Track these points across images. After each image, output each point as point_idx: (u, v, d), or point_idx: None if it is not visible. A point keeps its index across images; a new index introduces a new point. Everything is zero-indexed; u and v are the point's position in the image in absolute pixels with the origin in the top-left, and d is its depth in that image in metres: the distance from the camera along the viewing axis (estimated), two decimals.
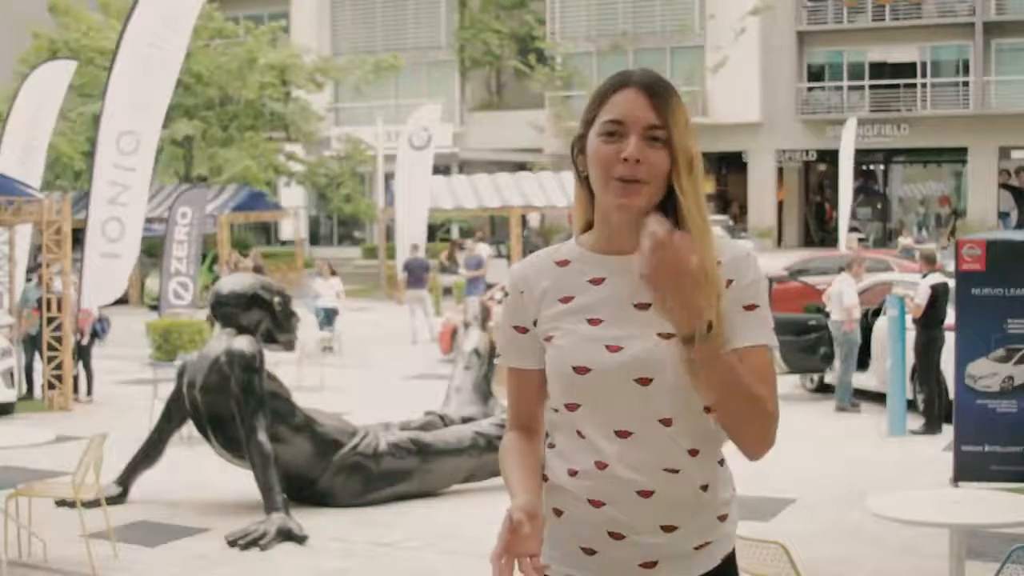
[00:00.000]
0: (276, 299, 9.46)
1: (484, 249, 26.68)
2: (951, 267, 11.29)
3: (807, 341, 14.21)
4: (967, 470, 9.56)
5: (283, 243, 42.51)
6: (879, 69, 39.33)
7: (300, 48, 36.99)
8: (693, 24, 39.61)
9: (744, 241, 32.20)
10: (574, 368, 2.46)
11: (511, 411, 2.64)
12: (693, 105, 38.77)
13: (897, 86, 38.72)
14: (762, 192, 40.32)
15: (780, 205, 41.07)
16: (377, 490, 9.44)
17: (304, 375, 16.03)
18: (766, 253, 32.79)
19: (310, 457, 9.24)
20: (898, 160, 41.47)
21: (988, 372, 9.59)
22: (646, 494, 2.43)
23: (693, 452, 2.45)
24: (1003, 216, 37.34)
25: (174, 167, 34.69)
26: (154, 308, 23.90)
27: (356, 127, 38.59)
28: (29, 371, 15.16)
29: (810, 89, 40.10)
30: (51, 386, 14.50)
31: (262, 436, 8.77)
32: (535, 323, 2.55)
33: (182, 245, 21.22)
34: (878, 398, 13.15)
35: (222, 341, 9.15)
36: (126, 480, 9.57)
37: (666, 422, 2.43)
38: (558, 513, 2.52)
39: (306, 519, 8.64)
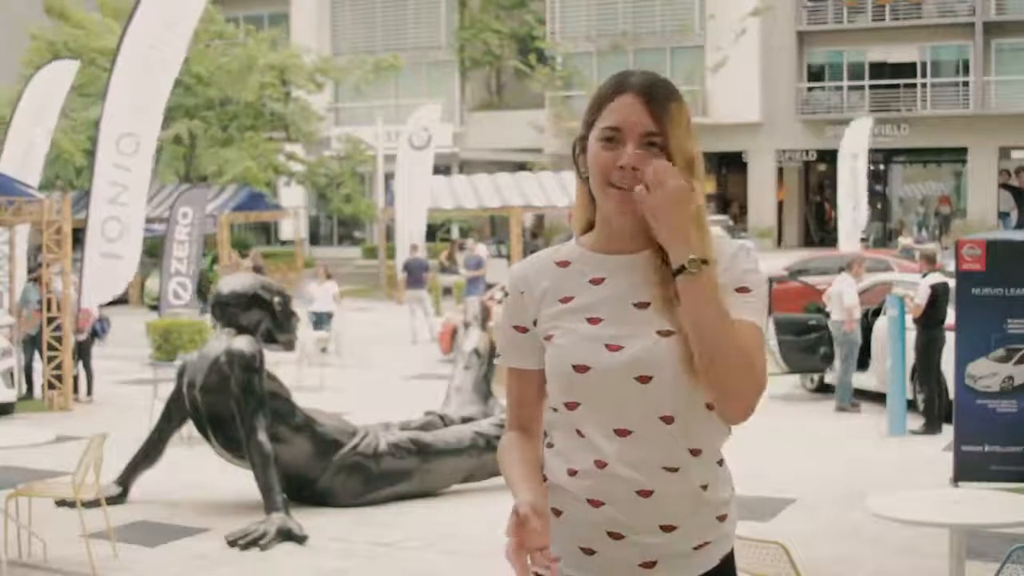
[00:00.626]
0: (276, 299, 9.46)
1: (482, 249, 26.69)
2: (951, 267, 11.29)
3: (807, 341, 14.21)
4: (967, 470, 9.56)
5: (283, 243, 42.51)
6: (879, 69, 39.33)
7: (300, 48, 37.00)
8: (693, 24, 39.61)
9: (744, 241, 32.21)
10: (574, 367, 2.46)
11: (510, 411, 2.64)
12: (693, 105, 38.75)
13: (897, 86, 38.72)
14: (762, 192, 40.32)
15: (780, 205, 41.08)
16: (377, 490, 9.44)
17: (304, 375, 16.04)
18: (766, 253, 32.77)
19: (310, 457, 9.24)
20: (898, 160, 41.47)
21: (988, 372, 9.59)
22: (645, 493, 2.43)
23: (694, 452, 2.46)
24: (1003, 216, 37.33)
25: (174, 167, 34.70)
26: (154, 308, 23.90)
27: (356, 127, 38.59)
28: (29, 371, 15.16)
29: (810, 89, 40.11)
30: (51, 386, 14.50)
31: (262, 436, 8.77)
32: (535, 323, 2.55)
33: (183, 245, 21.21)
34: (878, 398, 13.14)
35: (222, 341, 9.15)
36: (126, 480, 9.57)
37: (667, 420, 2.43)
38: (557, 513, 2.52)
39: (306, 519, 8.63)
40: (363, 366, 18.45)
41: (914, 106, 38.52)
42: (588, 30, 40.56)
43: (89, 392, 15.25)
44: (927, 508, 6.00)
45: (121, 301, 19.26)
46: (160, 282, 21.45)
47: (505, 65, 42.47)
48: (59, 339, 14.53)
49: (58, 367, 14.49)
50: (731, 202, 42.54)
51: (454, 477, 9.76)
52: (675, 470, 2.43)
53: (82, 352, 15.17)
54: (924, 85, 38.59)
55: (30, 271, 16.68)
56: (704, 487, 2.46)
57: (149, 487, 9.62)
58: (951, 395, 12.19)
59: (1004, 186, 37.87)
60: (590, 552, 2.49)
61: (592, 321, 2.48)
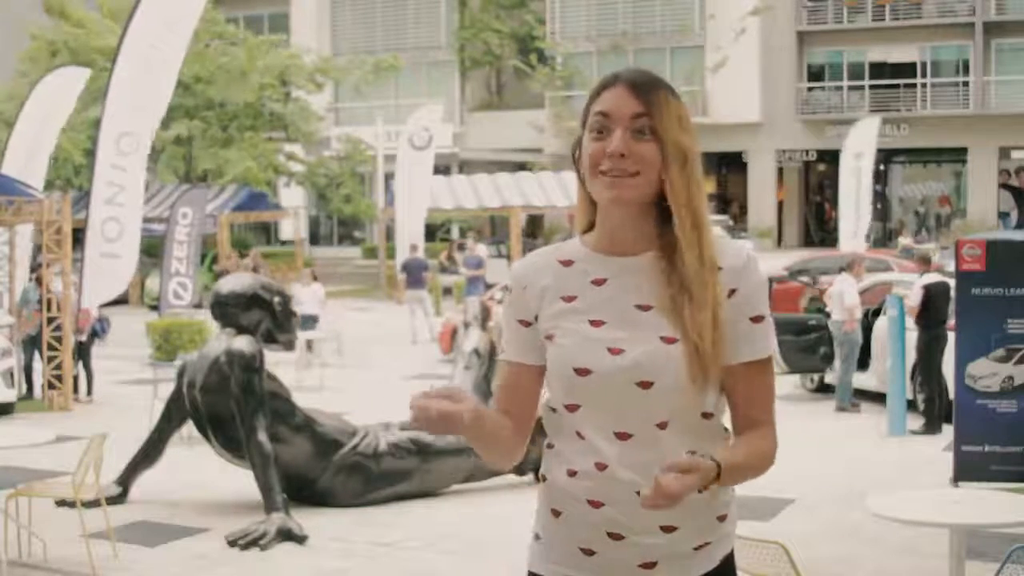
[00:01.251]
0: (276, 299, 9.46)
1: (482, 249, 26.67)
2: (951, 267, 11.28)
3: (807, 341, 14.20)
4: (967, 470, 9.56)
5: (283, 243, 42.52)
6: (879, 69, 39.33)
7: (300, 48, 37.00)
8: (693, 24, 39.62)
9: (744, 241, 32.24)
10: (575, 369, 2.45)
11: (498, 398, 2.61)
12: (693, 105, 38.76)
13: (897, 86, 38.73)
14: (762, 192, 40.33)
15: (780, 205, 41.08)
16: (377, 490, 9.44)
17: (304, 375, 16.03)
18: (766, 253, 32.78)
19: (310, 457, 9.24)
20: (898, 160, 41.47)
21: (988, 372, 9.59)
22: None
23: (692, 454, 2.43)
24: (1003, 216, 37.35)
25: (174, 167, 34.70)
26: (154, 308, 23.90)
27: (356, 127, 38.59)
28: (29, 371, 15.16)
29: (810, 89, 40.11)
30: (51, 386, 14.50)
31: (262, 436, 8.77)
32: (536, 318, 2.55)
33: (182, 245, 21.21)
34: (878, 398, 13.14)
35: (222, 341, 9.15)
36: (126, 480, 9.57)
37: (662, 425, 2.43)
38: (556, 514, 2.51)
39: (306, 519, 8.63)
40: (363, 366, 18.44)
41: (914, 106, 38.53)
42: (588, 30, 40.56)
43: (89, 392, 15.25)
44: (927, 508, 6.00)
45: (121, 301, 19.25)
46: (160, 282, 21.44)
47: (505, 65, 42.48)
48: (59, 339, 14.53)
49: (58, 367, 14.49)
50: (731, 202, 42.54)
51: (454, 477, 9.76)
52: None
53: (82, 352, 15.17)
54: (924, 85, 38.60)
55: (31, 271, 16.68)
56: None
57: (149, 487, 9.62)
58: (951, 395, 12.25)
59: (1004, 186, 37.88)
60: (590, 553, 2.48)
61: (595, 323, 2.47)
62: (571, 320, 2.49)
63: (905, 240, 30.26)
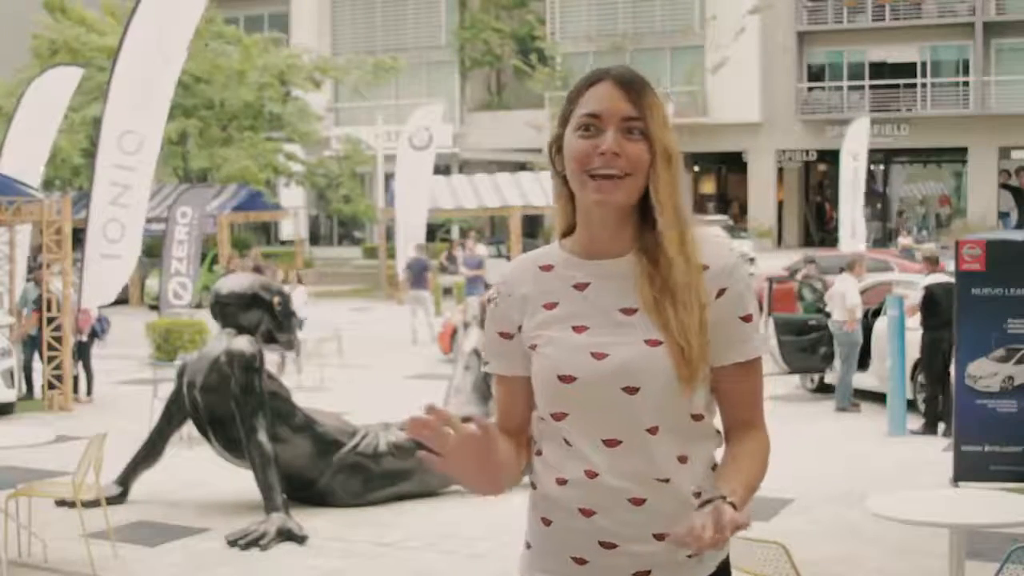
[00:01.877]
0: (276, 299, 9.46)
1: (481, 249, 26.66)
2: (951, 267, 11.27)
3: (807, 341, 14.20)
4: (967, 470, 9.56)
5: (283, 243, 42.53)
6: (879, 69, 39.35)
7: (300, 48, 36.99)
8: (693, 24, 39.64)
9: (742, 242, 32.22)
10: (559, 377, 2.42)
11: (499, 417, 2.59)
12: (693, 105, 38.83)
13: (897, 86, 38.75)
14: (762, 192, 40.34)
15: (780, 205, 41.10)
16: (377, 490, 9.44)
17: (304, 375, 16.04)
18: (766, 253, 32.80)
19: (310, 457, 9.24)
20: (898, 160, 41.48)
21: (988, 372, 9.59)
22: (637, 502, 2.39)
23: (682, 459, 2.42)
24: (1003, 216, 37.37)
25: (171, 164, 34.67)
26: (154, 308, 23.90)
27: (356, 127, 38.59)
28: (29, 371, 15.16)
29: (810, 89, 40.12)
30: (51, 386, 14.50)
31: (262, 436, 8.77)
32: (520, 328, 2.51)
33: (182, 245, 21.21)
34: (878, 398, 13.14)
35: (222, 341, 9.15)
36: (126, 480, 9.57)
37: (652, 431, 2.39)
38: (547, 523, 2.47)
39: (306, 519, 8.64)
40: (363, 366, 18.44)
41: (914, 106, 38.55)
42: (588, 30, 40.57)
43: (89, 392, 15.25)
44: (927, 508, 6.00)
45: (121, 301, 19.23)
46: (160, 282, 21.45)
47: (505, 65, 42.49)
48: (59, 339, 14.53)
49: (58, 367, 14.49)
50: (731, 202, 42.57)
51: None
52: (666, 480, 2.40)
53: (82, 352, 15.17)
54: (924, 85, 38.61)
55: (30, 271, 16.69)
56: (697, 494, 2.40)
57: (149, 487, 9.62)
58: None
59: (1004, 186, 37.92)
60: (582, 562, 2.44)
61: (578, 329, 2.43)
62: (554, 328, 2.45)
63: (905, 240, 30.28)
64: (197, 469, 10.42)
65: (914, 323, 12.41)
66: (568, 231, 2.52)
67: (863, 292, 14.08)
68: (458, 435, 2.26)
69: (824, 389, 14.60)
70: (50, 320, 14.61)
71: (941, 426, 12.03)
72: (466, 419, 2.31)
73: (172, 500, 9.61)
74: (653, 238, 2.41)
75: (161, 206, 27.89)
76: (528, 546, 2.56)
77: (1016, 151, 38.26)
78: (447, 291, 27.73)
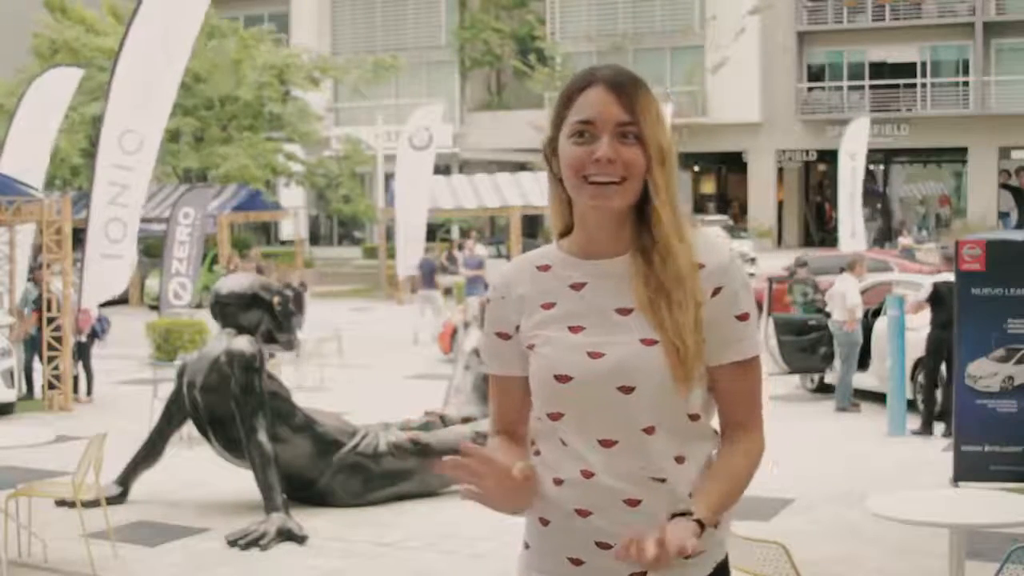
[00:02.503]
0: (276, 299, 9.46)
1: (481, 249, 26.66)
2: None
3: (807, 341, 14.20)
4: (967, 470, 9.56)
5: (283, 243, 42.52)
6: (879, 69, 39.36)
7: (299, 48, 36.99)
8: (693, 24, 39.65)
9: (742, 242, 32.23)
10: (556, 377, 2.42)
11: (494, 416, 2.60)
12: (693, 105, 38.84)
13: (897, 86, 38.76)
14: (762, 192, 40.35)
15: (780, 205, 41.11)
16: (377, 490, 9.44)
17: (304, 375, 16.04)
18: (766, 253, 32.80)
19: (310, 457, 9.24)
20: (898, 160, 41.50)
21: (988, 372, 9.59)
22: (633, 503, 2.39)
23: (679, 459, 2.42)
24: (1003, 216, 37.38)
25: (172, 164, 34.66)
26: (154, 308, 23.90)
27: (356, 127, 38.59)
28: (29, 371, 15.16)
29: (810, 89, 40.13)
30: (51, 386, 14.50)
31: (262, 436, 8.77)
32: (517, 329, 2.51)
33: (183, 246, 21.21)
34: (878, 398, 13.14)
35: (222, 341, 9.15)
36: (126, 480, 9.57)
37: (648, 431, 2.40)
38: (544, 522, 2.48)
39: (306, 519, 8.64)
40: (363, 366, 18.44)
41: (914, 106, 38.56)
42: (588, 30, 40.58)
43: (89, 392, 15.25)
44: (927, 508, 6.00)
45: (121, 301, 19.25)
46: (160, 282, 21.45)
47: (505, 65, 42.49)
48: (59, 339, 14.53)
49: (58, 367, 14.49)
50: (731, 202, 42.58)
51: (454, 477, 9.74)
52: (663, 480, 2.40)
53: (82, 352, 15.17)
54: (924, 85, 38.62)
55: (31, 271, 16.69)
56: (692, 495, 2.40)
57: (149, 487, 9.62)
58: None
59: (1004, 186, 37.93)
60: (578, 563, 2.45)
61: (574, 329, 2.43)
62: (551, 328, 2.46)
63: (905, 240, 30.28)
64: (197, 469, 10.42)
65: (914, 323, 12.40)
66: (565, 231, 2.52)
67: (863, 292, 14.08)
68: (496, 472, 2.34)
69: (824, 389, 14.59)
70: (50, 320, 14.61)
71: (940, 427, 12.03)
72: (499, 454, 2.41)
73: (172, 500, 9.60)
74: (650, 238, 2.41)
75: (162, 206, 27.89)
76: (526, 546, 2.56)
77: (1016, 151, 38.27)
78: (447, 291, 27.72)
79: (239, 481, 9.46)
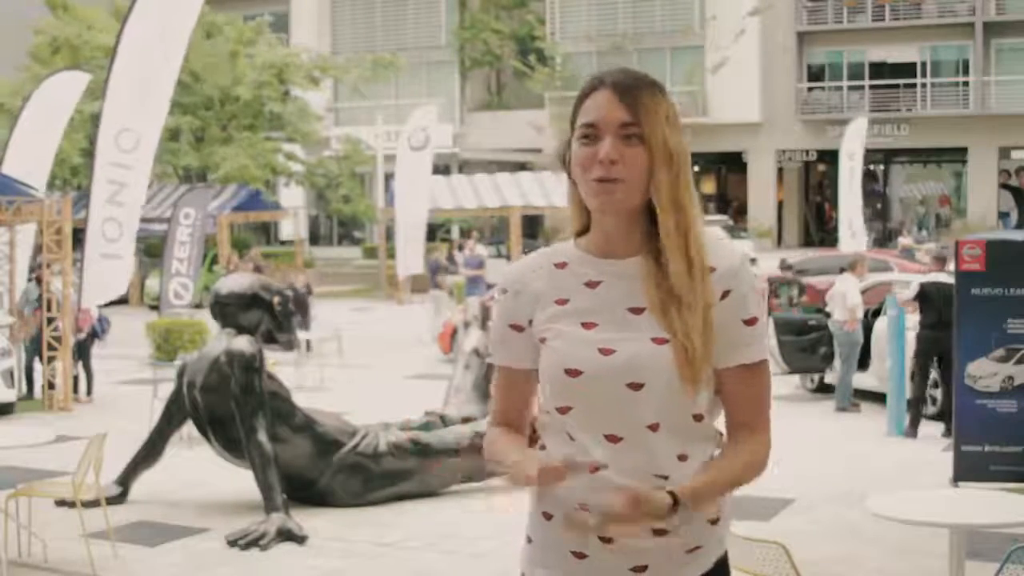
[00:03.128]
0: (276, 299, 9.46)
1: (481, 249, 26.67)
2: (951, 267, 11.25)
3: (807, 341, 14.20)
4: (967, 470, 9.56)
5: (283, 243, 42.52)
6: (879, 69, 39.36)
7: (298, 48, 36.97)
8: (693, 24, 39.65)
9: (742, 242, 32.23)
10: (566, 371, 2.45)
11: (497, 407, 2.63)
12: (693, 105, 38.83)
13: (897, 86, 38.76)
14: (762, 192, 40.35)
15: (780, 205, 41.11)
16: (377, 490, 9.44)
17: (304, 375, 16.04)
18: (766, 253, 32.78)
19: (310, 457, 9.24)
20: (898, 160, 41.49)
21: (988, 372, 9.59)
22: None
23: (682, 457, 2.44)
24: (1003, 216, 37.38)
25: (168, 161, 34.64)
26: (154, 308, 23.90)
27: (356, 127, 38.59)
28: (29, 371, 15.16)
29: (810, 89, 40.13)
30: (51, 386, 14.50)
31: (262, 436, 8.77)
32: (530, 323, 2.54)
33: (184, 246, 21.21)
34: (878, 398, 13.15)
35: (222, 341, 9.15)
36: (126, 480, 9.57)
37: (653, 428, 2.42)
38: (548, 516, 2.50)
39: (306, 519, 8.64)
40: (363, 366, 18.45)
41: (914, 106, 38.56)
42: (588, 30, 40.58)
43: (89, 392, 15.25)
44: (927, 508, 6.00)
45: (121, 301, 19.24)
46: (160, 282, 21.45)
47: (505, 65, 42.49)
48: (59, 339, 14.53)
49: (56, 367, 14.47)
50: (731, 202, 42.57)
51: (454, 477, 9.76)
52: (666, 477, 2.42)
53: (82, 352, 15.17)
54: (924, 85, 38.62)
55: (31, 271, 16.69)
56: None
57: (149, 487, 9.62)
58: (937, 398, 12.25)
59: (1004, 186, 37.92)
60: (581, 556, 2.47)
61: (587, 326, 2.47)
62: (564, 322, 2.49)
63: (905, 240, 30.27)
64: (197, 469, 10.42)
65: (914, 323, 12.40)
66: (582, 231, 2.56)
67: (863, 292, 14.08)
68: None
69: (824, 389, 14.60)
70: (49, 320, 14.61)
71: (933, 427, 12.03)
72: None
73: (172, 500, 9.60)
74: (659, 240, 2.45)
75: (163, 206, 27.89)
76: (529, 540, 2.59)
77: (1016, 151, 38.26)
78: (449, 292, 27.71)
79: (239, 481, 9.46)
